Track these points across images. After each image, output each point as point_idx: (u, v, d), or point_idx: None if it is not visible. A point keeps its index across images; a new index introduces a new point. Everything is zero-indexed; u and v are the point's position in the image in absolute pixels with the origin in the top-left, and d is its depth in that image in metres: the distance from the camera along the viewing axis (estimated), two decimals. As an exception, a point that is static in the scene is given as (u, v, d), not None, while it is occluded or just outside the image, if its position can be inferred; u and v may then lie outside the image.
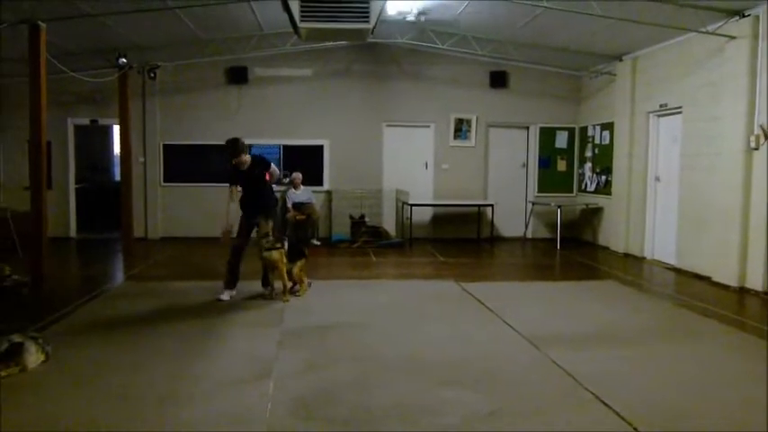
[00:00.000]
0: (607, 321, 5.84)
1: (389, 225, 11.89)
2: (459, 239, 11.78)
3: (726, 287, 7.45)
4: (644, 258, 9.75)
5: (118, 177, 12.15)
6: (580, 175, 12.26)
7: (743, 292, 7.27)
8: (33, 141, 7.44)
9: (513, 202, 12.24)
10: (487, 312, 6.11)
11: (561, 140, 12.30)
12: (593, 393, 3.90)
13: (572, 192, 12.37)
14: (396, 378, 4.21)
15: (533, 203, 12.10)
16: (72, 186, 11.69)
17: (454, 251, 10.48)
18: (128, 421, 3.48)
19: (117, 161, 12.98)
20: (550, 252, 10.73)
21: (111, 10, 7.97)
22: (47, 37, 7.35)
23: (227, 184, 6.59)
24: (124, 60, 9.76)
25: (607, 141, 11.05)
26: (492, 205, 11.55)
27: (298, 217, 10.77)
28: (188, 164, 11.66)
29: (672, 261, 8.98)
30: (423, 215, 11.95)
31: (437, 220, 12.15)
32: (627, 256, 10.07)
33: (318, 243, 10.99)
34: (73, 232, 11.74)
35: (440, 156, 12.06)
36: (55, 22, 7.52)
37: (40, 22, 7.16)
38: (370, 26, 6.66)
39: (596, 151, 11.56)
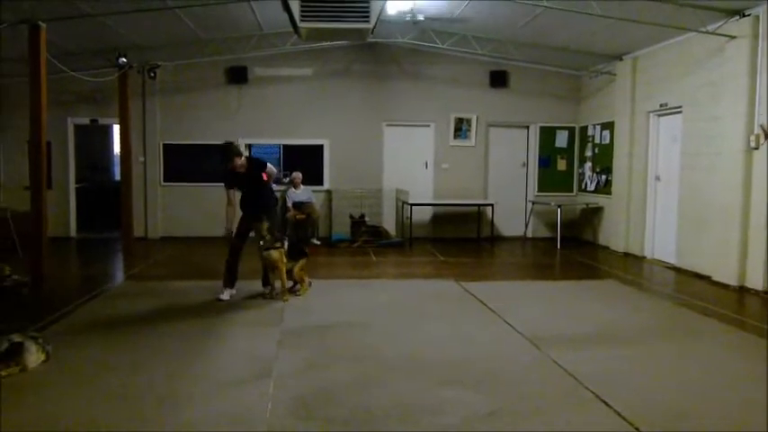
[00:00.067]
0: (607, 321, 5.84)
1: (389, 225, 11.89)
2: (459, 239, 11.78)
3: (726, 286, 7.45)
4: (644, 258, 9.75)
5: (118, 177, 12.14)
6: (580, 174, 12.26)
7: (743, 291, 7.28)
8: (33, 141, 7.44)
9: (514, 202, 12.24)
10: (488, 312, 6.11)
11: (561, 140, 12.30)
12: (593, 393, 3.90)
13: (572, 191, 12.37)
14: (396, 378, 4.21)
15: (533, 203, 12.10)
16: (72, 186, 11.70)
17: (454, 251, 10.48)
18: (128, 421, 3.48)
19: (117, 161, 12.98)
20: (550, 251, 10.73)
21: (111, 10, 7.97)
22: (47, 37, 7.34)
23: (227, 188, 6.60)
24: (124, 60, 9.76)
25: (607, 141, 11.05)
26: (492, 205, 11.55)
27: (298, 216, 10.78)
28: (188, 163, 11.65)
29: (672, 260, 8.98)
30: (423, 215, 11.94)
31: (437, 219, 12.15)
32: (627, 255, 10.07)
33: (318, 242, 10.99)
34: (73, 232, 11.74)
35: (440, 155, 12.06)
36: (55, 22, 7.52)
37: (40, 22, 7.16)
38: (371, 26, 6.66)
39: (596, 151, 11.56)
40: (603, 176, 11.25)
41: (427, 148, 12.10)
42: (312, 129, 11.80)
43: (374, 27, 6.80)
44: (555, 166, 12.37)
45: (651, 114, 9.69)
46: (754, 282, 7.20)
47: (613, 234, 10.63)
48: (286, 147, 12.01)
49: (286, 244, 6.67)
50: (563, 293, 7.16)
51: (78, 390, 3.94)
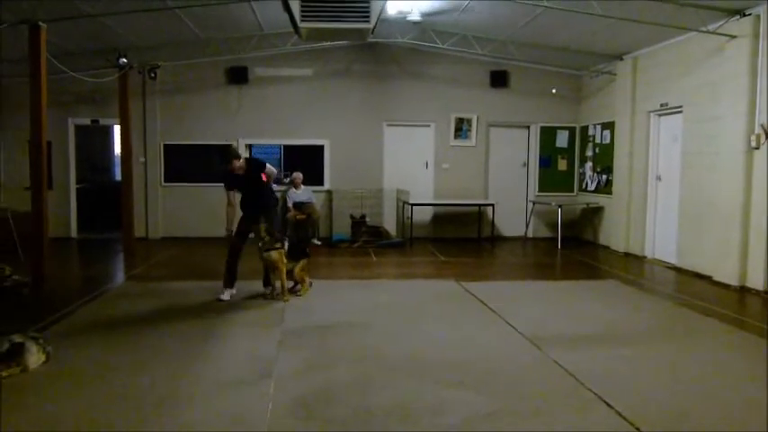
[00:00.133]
0: (608, 321, 5.84)
1: (390, 225, 11.89)
2: (459, 239, 11.78)
3: (726, 286, 7.45)
4: (644, 258, 9.75)
5: (118, 177, 12.13)
6: (581, 174, 12.26)
7: (743, 291, 7.27)
8: (34, 141, 7.44)
9: (514, 202, 12.24)
10: (488, 312, 6.11)
11: (562, 140, 12.29)
12: (594, 393, 3.90)
13: (573, 191, 12.37)
14: (397, 378, 4.20)
15: (534, 203, 12.10)
16: (73, 186, 11.69)
17: (455, 251, 10.48)
18: (128, 422, 3.48)
19: (117, 161, 12.98)
20: (551, 251, 10.73)
21: (112, 10, 7.97)
22: (47, 37, 7.34)
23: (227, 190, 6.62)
24: (124, 60, 9.76)
25: (608, 141, 11.04)
26: (493, 205, 11.55)
27: (298, 216, 10.78)
28: (188, 164, 11.65)
29: (672, 260, 8.97)
30: (423, 215, 11.94)
31: (438, 219, 12.15)
32: (627, 255, 10.07)
33: (319, 243, 10.99)
34: (74, 232, 11.75)
35: (440, 155, 12.06)
36: (55, 23, 7.51)
37: (40, 23, 7.16)
38: (371, 26, 6.66)
39: (597, 150, 11.56)
40: (604, 176, 11.25)
41: (428, 148, 12.10)
42: (312, 129, 11.80)
43: (374, 27, 6.80)
44: (555, 166, 12.36)
45: (652, 114, 9.69)
46: (755, 282, 7.20)
47: (614, 234, 10.63)
48: (286, 147, 12.01)
49: (286, 244, 6.67)
50: (564, 293, 7.16)
51: (79, 390, 3.94)
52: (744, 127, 7.28)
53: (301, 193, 11.16)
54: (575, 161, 12.35)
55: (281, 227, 9.87)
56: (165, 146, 11.67)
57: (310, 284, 6.95)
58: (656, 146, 9.68)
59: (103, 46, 9.80)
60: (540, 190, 12.31)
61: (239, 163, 6.47)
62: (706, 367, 4.52)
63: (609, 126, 10.96)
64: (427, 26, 9.83)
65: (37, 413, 3.59)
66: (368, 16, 6.51)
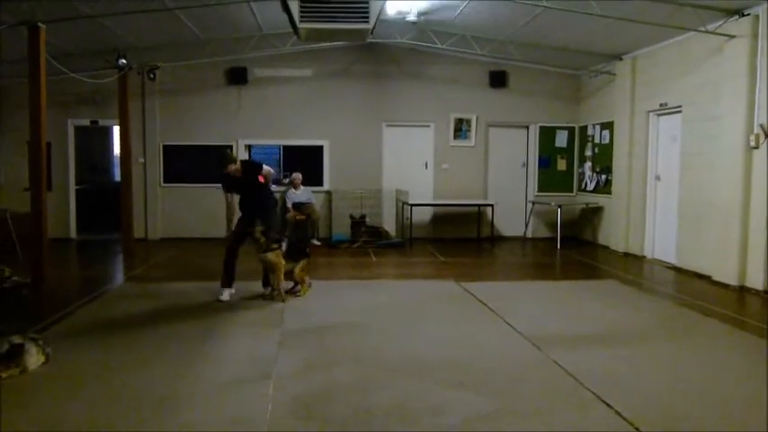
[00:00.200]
0: (608, 321, 5.84)
1: (389, 225, 11.89)
2: (459, 239, 11.79)
3: (726, 286, 7.45)
4: (644, 257, 9.75)
5: (118, 178, 12.14)
6: (580, 174, 12.26)
7: (743, 290, 7.28)
8: (33, 142, 7.44)
9: (513, 202, 12.24)
10: (488, 312, 6.11)
11: (561, 140, 12.30)
12: (594, 393, 3.90)
13: (572, 191, 12.37)
14: (396, 378, 4.20)
15: (533, 203, 12.10)
16: (72, 187, 11.69)
17: (454, 251, 10.48)
18: (128, 423, 3.48)
19: (117, 162, 12.97)
20: (550, 251, 10.73)
21: (111, 11, 7.97)
22: (46, 38, 7.34)
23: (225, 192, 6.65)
24: (124, 61, 9.76)
25: (607, 140, 11.05)
26: (492, 205, 11.55)
27: (297, 217, 10.79)
28: (188, 165, 11.64)
29: (672, 260, 8.98)
30: (423, 215, 11.95)
31: (437, 219, 12.15)
32: (627, 255, 10.07)
33: (319, 243, 10.99)
34: (73, 233, 11.74)
35: (440, 155, 12.06)
36: (54, 23, 7.51)
37: (39, 23, 7.16)
38: (370, 26, 6.66)
39: (596, 150, 11.56)
40: (603, 176, 11.25)
41: (427, 149, 12.10)
42: (312, 129, 11.80)
43: (373, 27, 6.80)
44: (555, 166, 12.37)
45: (651, 114, 9.69)
46: (755, 281, 7.20)
47: (613, 234, 10.63)
48: (286, 147, 12.01)
49: (284, 245, 6.66)
50: (563, 293, 7.16)
51: (78, 391, 3.94)
52: (743, 127, 7.28)
53: (301, 194, 11.17)
54: (574, 161, 12.36)
55: (281, 227, 9.89)
56: (165, 147, 11.67)
57: (309, 285, 6.95)
58: (655, 146, 9.69)
59: (103, 47, 9.79)
60: (540, 190, 12.31)
61: (235, 167, 6.49)
62: (705, 367, 4.52)
63: (608, 126, 10.96)
64: (426, 26, 9.83)
65: (36, 414, 3.58)
66: (367, 17, 6.51)
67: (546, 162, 12.33)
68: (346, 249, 10.62)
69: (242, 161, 6.81)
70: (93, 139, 13.87)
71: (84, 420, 3.50)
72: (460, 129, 12.04)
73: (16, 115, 10.34)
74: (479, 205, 11.83)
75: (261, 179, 6.63)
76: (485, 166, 12.21)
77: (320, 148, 11.92)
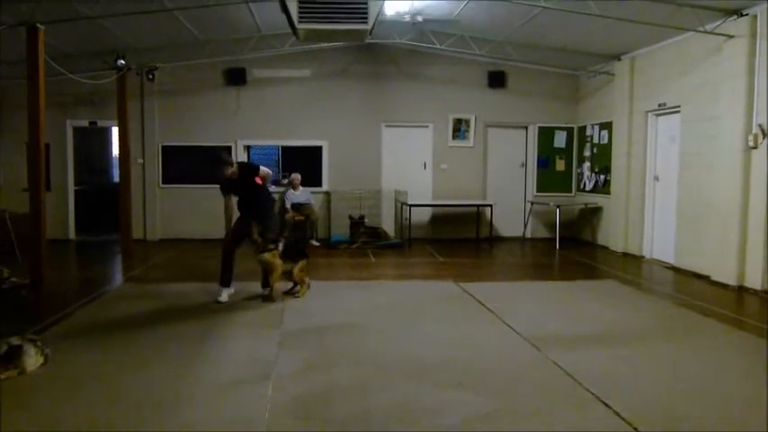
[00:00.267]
0: (606, 321, 5.85)
1: (388, 225, 11.89)
2: (457, 240, 11.79)
3: (725, 286, 7.46)
4: (643, 258, 9.76)
5: (116, 179, 12.14)
6: (579, 174, 12.27)
7: (742, 290, 7.28)
8: (32, 143, 7.43)
9: (512, 202, 12.24)
10: (487, 313, 6.11)
11: (560, 140, 12.30)
12: (592, 393, 3.90)
13: (571, 191, 12.38)
14: (395, 379, 4.20)
15: (532, 203, 12.11)
16: (71, 188, 11.68)
17: (453, 251, 10.48)
18: (128, 423, 3.47)
19: (115, 163, 12.98)
20: (549, 252, 10.73)
21: (110, 12, 7.96)
22: (45, 39, 7.33)
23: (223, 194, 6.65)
24: (122, 62, 9.75)
25: (606, 141, 11.06)
26: (491, 205, 11.56)
27: (296, 218, 10.79)
28: (187, 165, 11.62)
29: (671, 260, 8.98)
30: (422, 215, 11.95)
31: (436, 220, 12.15)
32: (626, 255, 10.08)
33: (317, 244, 10.98)
34: (72, 234, 11.73)
35: (438, 156, 12.06)
36: (53, 24, 7.51)
37: (38, 24, 7.15)
38: (369, 27, 6.65)
39: (595, 151, 11.57)
40: (602, 176, 11.26)
41: (426, 149, 12.11)
42: (311, 130, 11.80)
43: (372, 28, 6.79)
44: (553, 167, 12.37)
45: (649, 114, 9.70)
46: (753, 281, 7.21)
47: (612, 234, 10.64)
48: (285, 148, 12.01)
49: (281, 246, 6.67)
50: (562, 294, 7.16)
51: (77, 392, 3.94)
52: (742, 127, 7.29)
53: (300, 195, 11.17)
54: (573, 161, 12.36)
55: (280, 228, 9.89)
56: (164, 147, 11.66)
57: (309, 286, 6.94)
58: (653, 146, 9.69)
59: (101, 48, 9.79)
60: (539, 190, 12.31)
61: (231, 170, 6.49)
62: (704, 367, 4.52)
63: (607, 126, 10.97)
64: (425, 27, 9.83)
65: (35, 415, 3.58)
66: (366, 17, 6.50)
67: (545, 162, 12.33)
68: (345, 250, 10.62)
69: (239, 163, 6.82)
70: (92, 140, 13.86)
71: (83, 421, 3.50)
72: (459, 129, 12.05)
73: (15, 116, 10.32)
74: (478, 206, 11.83)
75: (258, 181, 6.63)
76: (483, 167, 12.22)
77: (319, 149, 11.92)
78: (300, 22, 6.50)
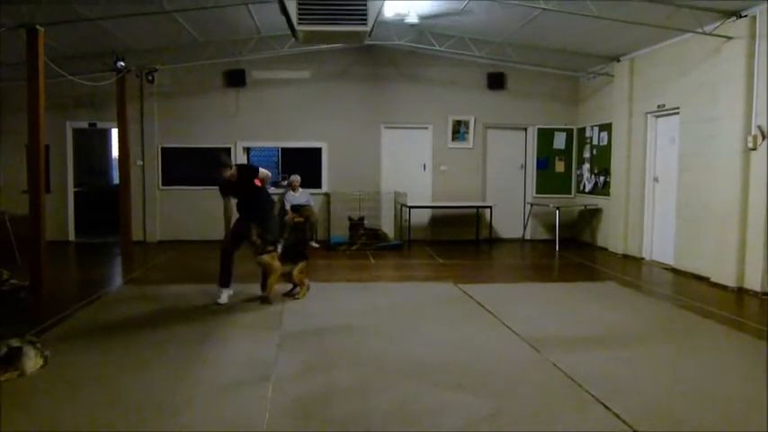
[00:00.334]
0: (606, 323, 5.85)
1: (388, 227, 11.89)
2: (457, 241, 11.79)
3: (724, 288, 7.46)
4: (642, 259, 9.76)
5: (116, 181, 12.14)
6: (578, 176, 12.27)
7: (741, 292, 7.28)
8: (32, 145, 7.42)
9: (512, 204, 12.25)
10: (486, 314, 6.11)
11: (559, 141, 12.31)
12: (592, 395, 3.90)
13: (570, 193, 12.38)
14: (395, 380, 4.20)
15: (532, 205, 12.11)
16: (70, 190, 11.68)
17: (453, 253, 10.48)
18: (127, 425, 3.47)
19: (115, 164, 12.98)
20: (549, 253, 10.73)
21: (109, 14, 7.96)
22: (45, 40, 7.33)
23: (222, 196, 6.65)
24: (122, 64, 9.76)
25: (605, 142, 11.06)
26: (490, 207, 11.57)
27: (296, 219, 10.79)
28: (186, 167, 11.63)
29: (670, 262, 8.99)
30: (421, 217, 11.95)
31: (435, 221, 12.15)
32: (625, 256, 10.08)
33: (317, 245, 10.98)
34: (71, 236, 11.72)
35: (438, 157, 12.07)
36: (53, 26, 7.51)
37: (38, 26, 7.15)
38: (368, 28, 6.65)
39: (594, 152, 11.58)
40: (602, 178, 11.27)
41: (425, 151, 12.11)
42: (310, 131, 11.81)
43: (372, 30, 6.80)
44: (553, 168, 12.38)
45: (649, 115, 9.71)
46: (753, 283, 7.21)
47: (612, 236, 10.64)
48: (284, 150, 12.02)
49: (280, 248, 6.67)
50: (562, 295, 7.16)
51: (77, 394, 3.93)
52: (741, 128, 7.30)
53: (299, 196, 11.17)
54: (572, 163, 12.37)
55: (279, 229, 9.88)
56: (163, 149, 11.66)
57: (308, 288, 6.94)
58: (653, 147, 9.70)
59: (101, 49, 9.80)
60: (538, 192, 12.32)
61: (230, 172, 6.49)
62: (704, 369, 4.52)
63: (606, 128, 10.98)
64: (424, 29, 9.84)
65: (34, 417, 3.58)
66: (365, 19, 6.50)
67: (544, 164, 12.34)
68: (345, 251, 10.62)
69: (238, 165, 6.82)
70: (92, 142, 13.88)
71: (83, 422, 3.50)
72: (459, 131, 12.05)
73: (15, 118, 10.32)
74: (478, 207, 11.84)
75: (257, 183, 6.63)
76: (483, 168, 12.23)
77: (318, 150, 11.93)
78: (300, 23, 6.50)
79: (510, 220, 12.24)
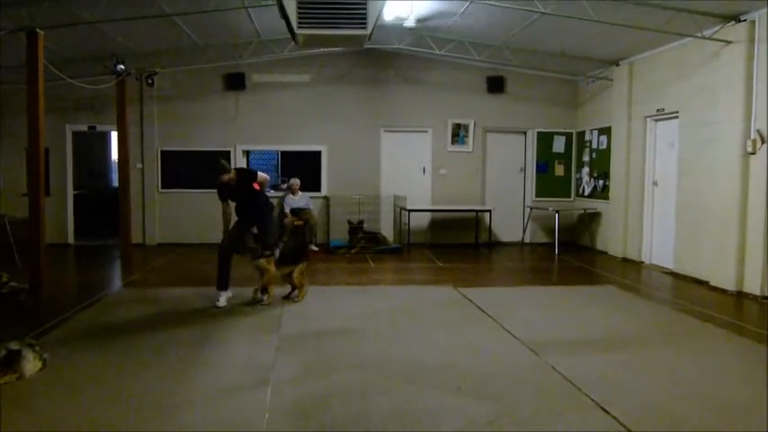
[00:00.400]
0: (605, 326, 5.85)
1: (387, 231, 11.89)
2: (457, 245, 11.79)
3: (724, 291, 7.46)
4: (642, 263, 9.76)
5: (116, 183, 12.15)
6: (578, 179, 12.28)
7: (741, 296, 7.28)
8: (31, 148, 7.43)
9: (511, 207, 12.26)
10: (486, 318, 6.11)
11: (559, 145, 12.32)
12: (592, 399, 3.90)
13: (570, 196, 12.39)
14: (395, 384, 4.20)
15: (531, 208, 12.12)
16: (70, 193, 11.68)
17: (452, 256, 10.48)
18: (126, 426, 3.47)
19: (115, 167, 12.98)
20: (548, 257, 10.73)
21: (109, 17, 7.97)
22: (45, 44, 7.34)
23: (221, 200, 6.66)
24: (122, 67, 9.76)
25: (604, 146, 11.08)
26: (490, 210, 11.57)
27: (295, 222, 10.79)
28: (186, 170, 11.64)
29: (670, 266, 8.99)
30: (421, 220, 11.95)
31: (435, 225, 12.15)
32: (625, 260, 10.08)
33: (316, 249, 10.98)
34: (71, 238, 11.72)
35: (437, 161, 12.08)
36: (53, 29, 7.53)
37: (37, 29, 7.16)
38: (368, 32, 6.66)
39: (594, 156, 11.59)
40: (601, 182, 11.27)
41: (425, 154, 12.12)
42: (310, 135, 11.82)
43: (371, 33, 6.81)
44: (552, 172, 12.39)
45: (648, 119, 9.72)
46: (752, 287, 7.21)
47: (611, 239, 10.64)
48: (284, 153, 12.04)
49: (277, 252, 6.68)
50: (561, 299, 7.16)
51: (76, 397, 3.93)
52: (740, 132, 7.30)
53: (299, 200, 11.17)
54: (572, 166, 12.38)
55: (279, 233, 9.88)
56: (163, 152, 11.67)
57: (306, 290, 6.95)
58: (652, 151, 9.71)
59: (101, 52, 9.80)
60: (538, 195, 12.33)
61: (229, 176, 6.50)
62: (704, 372, 4.52)
63: (605, 131, 10.99)
64: (424, 32, 9.86)
65: (33, 420, 3.57)
66: (365, 23, 6.51)
67: (544, 167, 12.35)
68: (344, 255, 10.62)
69: (236, 169, 6.82)
70: (92, 145, 13.89)
71: (83, 422, 3.49)
72: (458, 134, 12.06)
73: (14, 121, 10.34)
74: (477, 211, 11.84)
75: (256, 186, 6.64)
76: (482, 172, 12.23)
77: (318, 154, 11.93)
78: (299, 27, 6.51)
79: (509, 223, 12.25)
